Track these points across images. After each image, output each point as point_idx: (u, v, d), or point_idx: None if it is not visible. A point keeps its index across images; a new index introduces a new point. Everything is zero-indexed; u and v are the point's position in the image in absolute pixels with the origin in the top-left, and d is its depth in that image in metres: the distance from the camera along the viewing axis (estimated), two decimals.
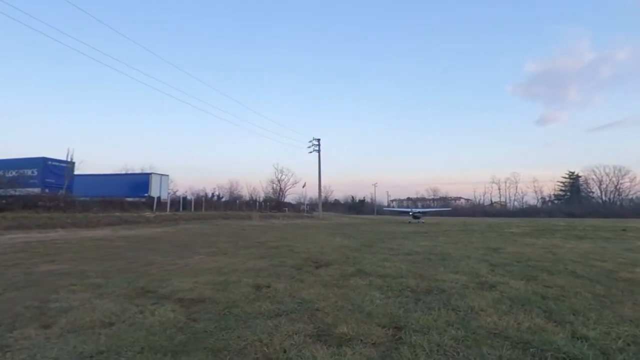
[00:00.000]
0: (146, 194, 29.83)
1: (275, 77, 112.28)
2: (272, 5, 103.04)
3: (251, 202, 46.22)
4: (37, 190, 23.00)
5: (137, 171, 39.36)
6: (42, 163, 23.58)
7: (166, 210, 28.26)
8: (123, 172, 40.49)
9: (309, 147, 40.40)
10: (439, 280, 5.10)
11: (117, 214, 22.94)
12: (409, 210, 39.60)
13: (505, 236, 15.01)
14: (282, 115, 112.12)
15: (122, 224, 19.02)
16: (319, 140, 39.89)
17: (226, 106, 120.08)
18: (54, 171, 23.77)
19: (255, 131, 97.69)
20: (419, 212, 35.65)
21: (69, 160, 22.86)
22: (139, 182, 30.86)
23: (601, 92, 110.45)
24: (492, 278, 5.26)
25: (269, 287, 4.62)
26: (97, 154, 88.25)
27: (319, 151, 39.60)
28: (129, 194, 29.30)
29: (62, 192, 21.78)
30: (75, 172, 27.26)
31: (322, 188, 41.53)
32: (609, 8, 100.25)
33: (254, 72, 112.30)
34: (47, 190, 22.77)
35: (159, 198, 29.87)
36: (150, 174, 31.45)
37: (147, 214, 23.94)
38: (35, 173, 23.56)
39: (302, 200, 64.00)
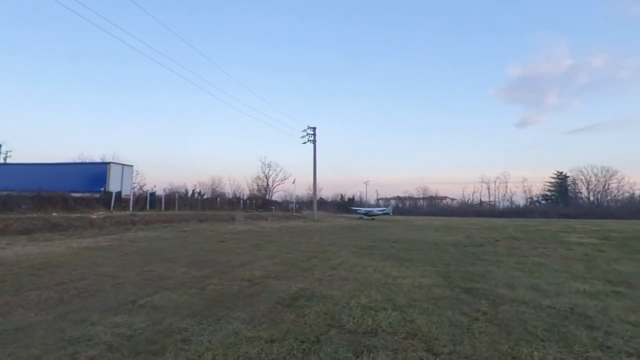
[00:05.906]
0: (102, 189, 23.85)
1: (269, 75, 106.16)
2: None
3: (234, 200, 40.46)
4: None
5: (96, 160, 32.79)
6: None
7: (128, 209, 22.52)
8: (77, 161, 33.62)
9: (303, 136, 34.89)
10: None
11: (54, 214, 17.11)
12: (361, 210, 51.41)
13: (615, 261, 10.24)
14: (272, 106, 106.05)
15: (47, 230, 13.19)
16: (314, 129, 34.39)
17: (209, 75, 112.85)
18: None
19: (245, 111, 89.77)
20: (379, 211, 48.49)
21: None
22: (93, 174, 24.67)
23: (579, 96, 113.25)
24: None
25: None
26: (61, 145, 79.72)
27: (314, 141, 34.08)
28: (81, 187, 23.23)
29: None
30: (11, 161, 21.28)
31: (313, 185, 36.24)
32: (585, 17, 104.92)
33: (247, 66, 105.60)
34: None
35: (118, 194, 23.94)
36: (109, 163, 25.26)
37: (96, 215, 18.12)
38: None
39: (289, 199, 58.56)
